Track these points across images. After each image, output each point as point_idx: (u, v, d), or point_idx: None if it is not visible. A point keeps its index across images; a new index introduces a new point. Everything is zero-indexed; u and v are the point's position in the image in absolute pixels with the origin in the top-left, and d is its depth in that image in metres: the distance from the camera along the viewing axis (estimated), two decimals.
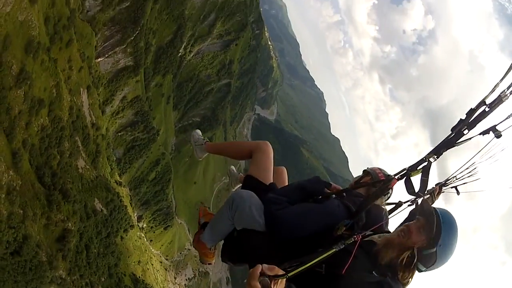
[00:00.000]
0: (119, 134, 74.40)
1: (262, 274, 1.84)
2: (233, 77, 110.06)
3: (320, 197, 3.13)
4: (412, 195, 2.62)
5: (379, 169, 3.52)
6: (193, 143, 4.58)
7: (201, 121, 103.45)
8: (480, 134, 2.35)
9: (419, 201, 2.69)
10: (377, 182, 3.18)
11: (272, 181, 3.55)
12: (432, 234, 2.29)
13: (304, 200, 3.09)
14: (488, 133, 2.32)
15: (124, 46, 68.39)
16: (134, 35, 69.06)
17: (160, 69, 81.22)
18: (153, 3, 70.11)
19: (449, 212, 2.37)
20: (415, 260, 2.35)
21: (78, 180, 50.15)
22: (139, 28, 69.33)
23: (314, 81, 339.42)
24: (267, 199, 3.06)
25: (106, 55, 65.75)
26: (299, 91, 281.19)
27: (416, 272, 2.42)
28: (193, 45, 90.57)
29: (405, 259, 2.35)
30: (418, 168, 2.55)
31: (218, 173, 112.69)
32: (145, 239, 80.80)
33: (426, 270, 2.40)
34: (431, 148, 2.56)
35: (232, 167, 4.97)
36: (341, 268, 2.24)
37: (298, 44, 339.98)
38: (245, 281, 1.93)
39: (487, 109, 2.31)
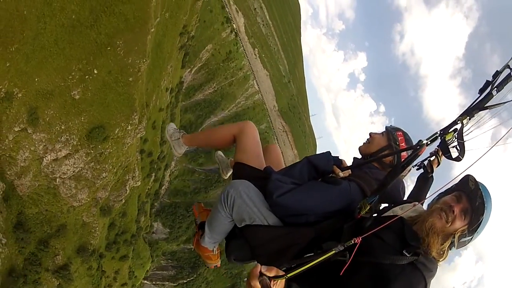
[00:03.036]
0: None
1: (262, 274, 1.81)
2: None
3: (331, 175, 2.84)
4: (449, 159, 2.48)
5: (404, 136, 3.05)
6: (169, 139, 4.04)
7: None
8: None
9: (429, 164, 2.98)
10: (402, 150, 2.93)
11: (266, 165, 3.13)
12: (476, 224, 2.20)
13: (313, 179, 2.82)
14: None
15: (175, 285, 67.92)
16: (188, 279, 69.00)
17: None
18: None
19: (489, 192, 2.24)
20: (452, 246, 2.27)
21: None
22: (195, 275, 69.65)
23: None
24: (270, 182, 2.69)
25: (154, 282, 65.14)
26: None
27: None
28: None
29: (446, 248, 2.24)
30: (450, 131, 2.38)
31: None
32: None
33: None
34: None
35: (220, 152, 4.46)
36: (369, 254, 2.12)
37: None
38: (245, 280, 2.03)
39: None
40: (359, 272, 2.10)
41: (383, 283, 2.05)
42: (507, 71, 2.35)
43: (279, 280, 1.83)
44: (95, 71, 24.98)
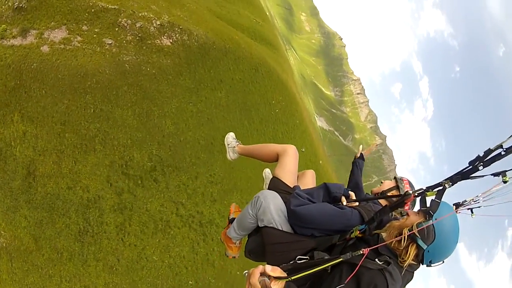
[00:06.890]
0: None
1: (263, 274, 1.84)
2: None
3: (340, 203, 3.18)
4: (425, 213, 2.59)
5: (409, 182, 3.70)
6: (226, 145, 4.60)
7: None
8: (491, 174, 2.43)
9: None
10: (393, 196, 3.47)
11: (296, 184, 3.53)
12: (432, 212, 2.38)
13: (326, 201, 3.17)
14: (499, 176, 2.39)
15: None
16: None
17: None
18: None
19: (446, 203, 2.48)
20: (414, 235, 2.39)
21: None
22: None
23: None
24: (292, 195, 3.07)
25: None
26: None
27: (423, 264, 2.46)
28: None
29: (405, 236, 2.39)
30: (433, 190, 2.53)
31: None
32: None
33: (431, 259, 2.42)
34: None
35: (267, 169, 4.81)
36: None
37: None
38: (245, 273, 1.92)
39: (502, 153, 2.33)
40: (338, 268, 2.28)
41: (352, 273, 2.19)
42: (499, 150, 2.35)
43: (279, 281, 1.85)
44: None
